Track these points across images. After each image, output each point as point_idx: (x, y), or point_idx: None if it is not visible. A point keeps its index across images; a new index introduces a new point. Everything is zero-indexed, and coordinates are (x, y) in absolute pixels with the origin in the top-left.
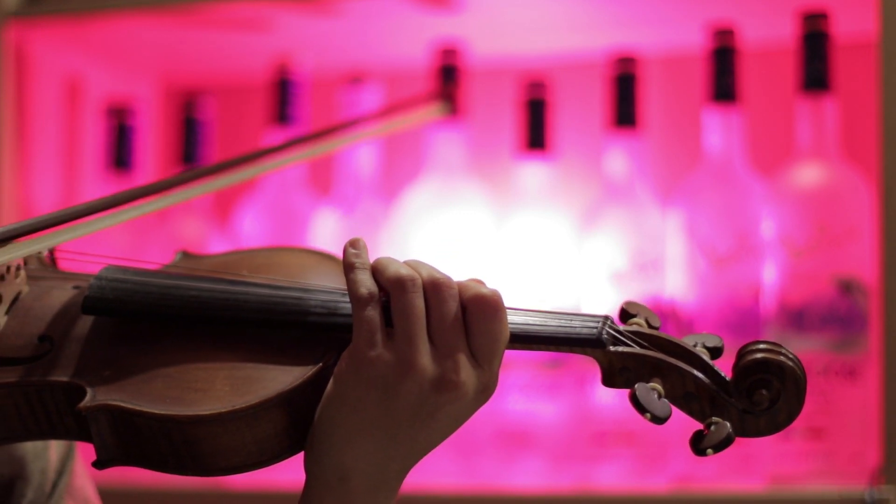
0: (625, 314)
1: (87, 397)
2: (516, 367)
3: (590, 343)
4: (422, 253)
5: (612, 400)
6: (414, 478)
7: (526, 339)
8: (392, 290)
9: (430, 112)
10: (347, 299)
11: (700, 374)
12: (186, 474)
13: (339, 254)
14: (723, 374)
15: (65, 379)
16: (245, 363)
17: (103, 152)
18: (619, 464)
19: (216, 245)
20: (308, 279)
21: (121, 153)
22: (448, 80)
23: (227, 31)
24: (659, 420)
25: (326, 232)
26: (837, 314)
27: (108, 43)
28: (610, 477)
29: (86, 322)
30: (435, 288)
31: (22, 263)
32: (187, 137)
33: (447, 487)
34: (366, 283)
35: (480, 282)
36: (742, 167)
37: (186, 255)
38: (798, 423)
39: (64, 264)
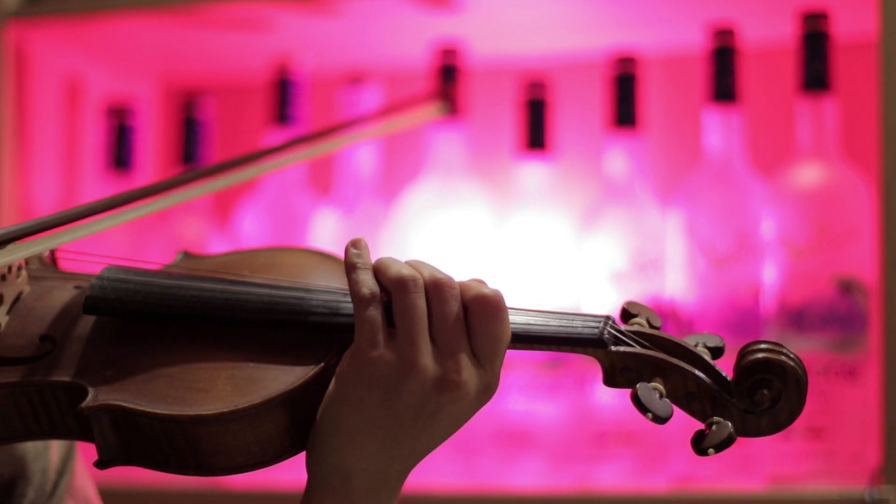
0: (626, 314)
1: (89, 397)
2: (516, 367)
3: (591, 343)
4: (422, 253)
5: (613, 400)
6: (414, 478)
7: (527, 339)
8: (394, 290)
9: (430, 112)
10: (349, 299)
11: (701, 374)
12: (188, 474)
13: (339, 254)
14: (724, 374)
15: (66, 379)
16: (247, 363)
17: (103, 152)
18: (619, 464)
19: (216, 245)
20: (309, 279)
21: (121, 153)
22: (448, 80)
23: (227, 31)
24: (660, 420)
25: (326, 232)
26: (837, 314)
27: (108, 43)
28: (610, 477)
29: (87, 322)
30: (437, 288)
31: (23, 264)
32: (187, 137)
33: (447, 487)
34: (368, 284)
35: (482, 282)
36: (742, 167)
37: (187, 255)
38: (798, 423)
39: (65, 264)
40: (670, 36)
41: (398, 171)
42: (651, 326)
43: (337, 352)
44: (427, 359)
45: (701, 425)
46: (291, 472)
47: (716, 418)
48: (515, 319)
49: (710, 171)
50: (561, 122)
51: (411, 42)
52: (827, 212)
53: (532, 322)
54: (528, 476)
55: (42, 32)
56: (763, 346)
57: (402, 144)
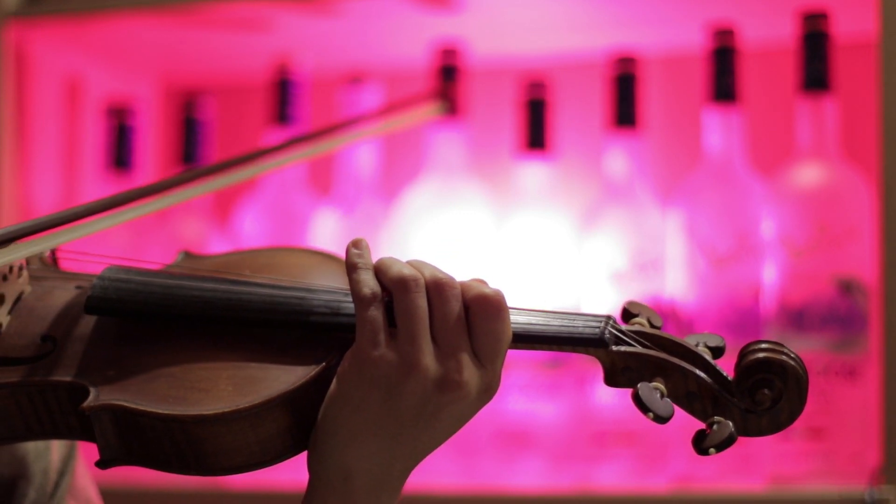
0: (627, 314)
1: (91, 397)
2: (516, 367)
3: (592, 343)
4: (422, 253)
5: (613, 400)
6: (414, 478)
7: (529, 339)
8: (395, 290)
9: (429, 111)
10: (350, 299)
11: (702, 374)
12: (189, 474)
13: (340, 254)
14: (725, 374)
15: (68, 379)
16: (248, 363)
17: (103, 152)
18: (619, 464)
19: (216, 245)
20: (310, 279)
21: (121, 153)
22: (448, 80)
23: (227, 31)
24: (662, 419)
25: (326, 232)
26: (837, 314)
27: (108, 43)
28: (610, 477)
29: (88, 322)
30: (438, 288)
31: (24, 264)
32: (187, 137)
33: (447, 487)
34: (369, 283)
35: (483, 282)
36: (742, 167)
37: (189, 255)
38: (798, 423)
39: (66, 264)
40: (670, 36)
41: (398, 171)
42: (652, 326)
43: (338, 352)
44: (428, 359)
45: (702, 425)
46: (291, 472)
47: (717, 418)
48: (517, 319)
49: (710, 171)
50: (561, 122)
51: (411, 42)
52: (827, 212)
53: (533, 322)
54: (528, 476)
55: (42, 32)
56: (764, 345)
57: (402, 144)
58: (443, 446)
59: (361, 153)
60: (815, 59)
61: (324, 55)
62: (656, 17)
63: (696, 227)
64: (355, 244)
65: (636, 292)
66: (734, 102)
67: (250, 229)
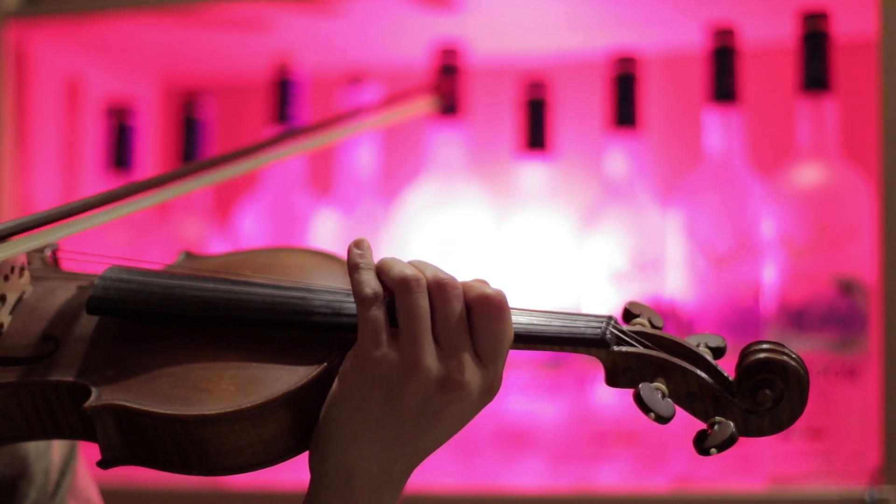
0: (628, 314)
1: (93, 397)
2: (516, 367)
3: (594, 343)
4: (422, 253)
5: (613, 400)
6: (414, 478)
7: (530, 340)
8: (396, 290)
9: (424, 105)
10: (351, 299)
11: (703, 374)
12: (191, 474)
13: (340, 254)
14: (726, 375)
15: (69, 378)
16: (250, 363)
17: (103, 152)
18: (619, 464)
19: (216, 245)
20: (311, 279)
21: (121, 153)
22: (448, 80)
23: (227, 31)
24: (663, 420)
25: (326, 232)
26: (837, 314)
27: (108, 43)
28: (610, 477)
29: (90, 322)
30: (439, 288)
31: (26, 264)
32: (187, 137)
33: (447, 487)
34: (370, 284)
35: (485, 282)
36: (742, 167)
37: (190, 255)
38: (798, 423)
39: (67, 265)
40: (670, 36)
41: (398, 171)
42: (653, 326)
43: (340, 352)
44: (430, 359)
45: (703, 425)
46: (292, 472)
47: (718, 418)
48: (518, 319)
49: (710, 171)
50: (561, 122)
51: (411, 42)
52: (827, 212)
53: (535, 322)
54: (528, 476)
55: (42, 32)
56: (765, 346)
57: (402, 144)
58: (443, 446)
59: (361, 153)
60: (815, 59)
61: (324, 55)
62: (656, 17)
63: (696, 227)
64: (357, 244)
65: (636, 292)
66: (734, 102)
67: (250, 229)
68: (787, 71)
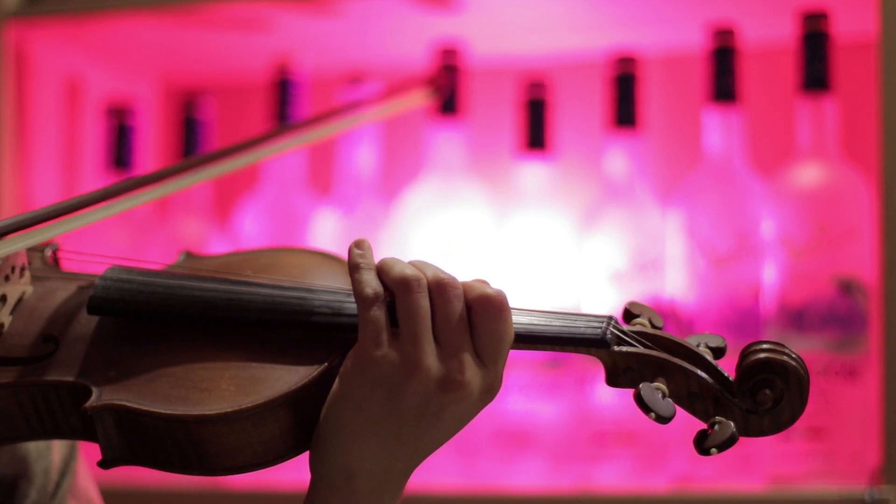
0: (628, 314)
1: (93, 397)
2: (516, 367)
3: (594, 343)
4: (422, 253)
5: (613, 400)
6: (414, 477)
7: (530, 340)
8: (397, 290)
9: (419, 98)
10: (352, 299)
11: (704, 374)
12: (192, 474)
13: (341, 254)
14: (726, 375)
15: (70, 379)
16: (250, 363)
17: (103, 152)
18: (619, 464)
19: (216, 245)
20: (311, 280)
21: (121, 153)
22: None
23: (227, 31)
24: (663, 420)
25: (326, 232)
26: (837, 314)
27: (108, 43)
28: (610, 477)
29: (90, 322)
30: (440, 288)
31: (26, 264)
32: (187, 137)
33: (447, 487)
34: (371, 284)
35: (485, 282)
36: (742, 167)
37: (190, 255)
38: (798, 423)
39: (68, 265)
40: (670, 36)
41: (398, 171)
42: (653, 327)
43: (340, 352)
44: (430, 359)
45: (703, 425)
46: (293, 472)
47: (718, 418)
48: (519, 320)
49: (710, 171)
50: (561, 122)
51: (411, 42)
52: (827, 212)
53: (535, 322)
54: (528, 476)
55: (42, 32)
56: (765, 346)
57: (402, 144)
58: (443, 446)
59: (361, 153)
60: (815, 59)
61: (324, 55)
62: (656, 17)
63: (696, 227)
64: (357, 244)
65: (636, 292)
66: (734, 102)
67: (250, 229)
68: (787, 71)
